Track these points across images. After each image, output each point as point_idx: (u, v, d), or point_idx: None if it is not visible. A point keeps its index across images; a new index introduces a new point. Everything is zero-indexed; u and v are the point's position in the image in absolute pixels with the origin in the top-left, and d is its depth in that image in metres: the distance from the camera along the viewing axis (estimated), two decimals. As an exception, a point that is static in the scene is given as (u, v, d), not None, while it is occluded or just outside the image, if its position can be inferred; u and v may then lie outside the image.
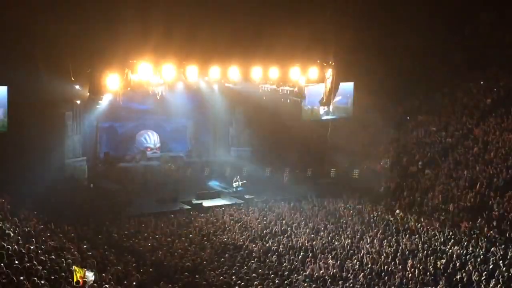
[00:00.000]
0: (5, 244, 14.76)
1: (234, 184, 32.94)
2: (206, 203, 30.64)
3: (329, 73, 30.92)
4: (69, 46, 25.52)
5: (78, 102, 28.57)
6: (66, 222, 23.75)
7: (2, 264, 12.61)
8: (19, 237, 16.95)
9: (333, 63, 30.72)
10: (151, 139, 36.18)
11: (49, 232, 20.61)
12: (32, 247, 15.97)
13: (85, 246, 19.98)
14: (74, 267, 14.49)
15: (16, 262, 13.31)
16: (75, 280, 13.98)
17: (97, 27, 24.87)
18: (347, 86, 33.46)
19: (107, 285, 14.74)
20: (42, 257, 15.15)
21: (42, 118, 26.90)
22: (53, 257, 16.03)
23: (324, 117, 33.94)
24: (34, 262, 14.22)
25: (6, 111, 25.98)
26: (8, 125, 26.19)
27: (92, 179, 30.58)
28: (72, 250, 18.51)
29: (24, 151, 26.04)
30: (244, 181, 32.87)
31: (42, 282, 12.45)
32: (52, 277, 13.51)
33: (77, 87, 27.35)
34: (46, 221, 22.55)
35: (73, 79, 26.89)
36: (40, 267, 13.76)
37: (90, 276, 14.39)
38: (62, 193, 26.95)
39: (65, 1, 25.51)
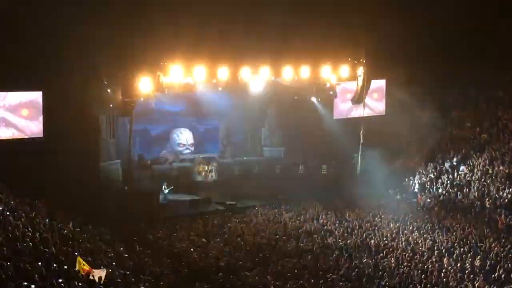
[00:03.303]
0: (42, 247, 15.01)
1: None
2: (240, 204, 30.76)
3: (361, 70, 30.76)
4: (101, 50, 25.81)
5: (112, 105, 28.83)
6: (101, 224, 24.04)
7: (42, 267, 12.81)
8: (57, 240, 17.20)
9: (364, 61, 30.55)
10: (183, 135, 36.43)
11: (86, 234, 20.86)
12: (69, 250, 16.21)
13: (121, 248, 20.20)
14: (79, 258, 14.60)
15: (55, 265, 13.49)
16: (77, 267, 14.13)
17: (129, 30, 25.09)
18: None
19: (143, 287, 14.90)
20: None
21: (77, 122, 27.16)
22: (90, 259, 16.24)
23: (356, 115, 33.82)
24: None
25: (41, 116, 26.36)
26: (44, 130, 26.59)
27: (127, 181, 30.83)
28: (109, 252, 18.73)
29: (60, 155, 26.32)
30: None
31: (80, 284, 12.61)
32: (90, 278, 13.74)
33: (110, 90, 27.62)
34: (82, 224, 22.84)
35: (105, 82, 27.20)
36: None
37: (100, 272, 14.47)
38: (98, 196, 27.22)
39: (98, 5, 25.76)
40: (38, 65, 25.31)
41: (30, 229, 16.94)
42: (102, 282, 13.92)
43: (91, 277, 13.92)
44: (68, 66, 25.55)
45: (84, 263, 14.60)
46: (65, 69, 25.60)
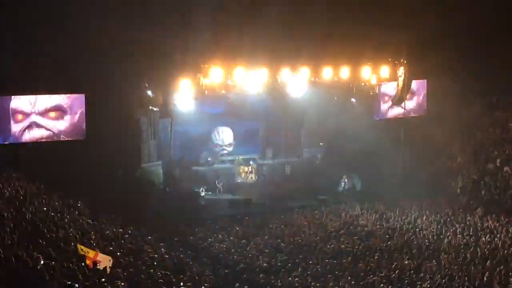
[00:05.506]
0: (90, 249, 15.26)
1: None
2: (280, 205, 30.77)
3: (401, 71, 30.48)
4: (142, 53, 26.13)
5: (153, 108, 29.15)
6: (143, 225, 24.31)
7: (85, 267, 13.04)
8: (100, 241, 17.47)
9: (405, 61, 30.27)
10: (220, 136, 36.64)
11: (127, 235, 21.11)
12: (112, 250, 16.47)
13: (162, 249, 20.39)
14: (79, 247, 14.62)
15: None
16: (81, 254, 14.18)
17: (170, 33, 25.34)
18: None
19: (183, 287, 15.03)
20: (121, 260, 15.58)
21: (119, 124, 27.60)
22: (132, 259, 16.44)
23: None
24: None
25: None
26: (86, 132, 27.10)
27: (168, 183, 31.14)
28: (150, 252, 18.92)
29: (101, 157, 26.75)
30: None
31: (123, 284, 12.79)
32: (135, 279, 13.91)
33: (151, 93, 27.91)
34: (124, 224, 23.12)
35: (146, 85, 27.51)
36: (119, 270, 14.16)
37: (106, 260, 14.51)
38: (139, 196, 27.55)
39: (140, 9, 26.08)
40: (81, 68, 25.75)
41: (73, 229, 17.25)
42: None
43: (98, 265, 14.03)
44: (110, 68, 25.91)
45: (87, 249, 14.59)
46: (107, 71, 25.98)
